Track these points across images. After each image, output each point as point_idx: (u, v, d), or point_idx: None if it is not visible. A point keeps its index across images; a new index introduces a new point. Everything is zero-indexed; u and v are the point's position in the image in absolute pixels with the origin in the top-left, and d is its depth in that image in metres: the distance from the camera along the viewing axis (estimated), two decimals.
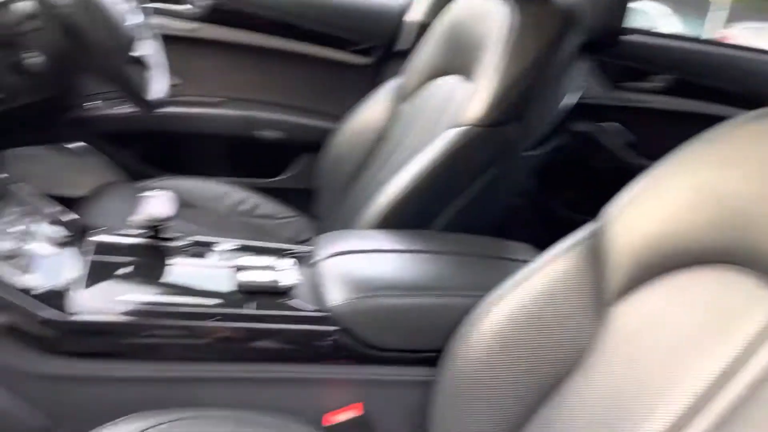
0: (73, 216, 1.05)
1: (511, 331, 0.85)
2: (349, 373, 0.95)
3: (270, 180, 1.87)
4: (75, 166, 1.71)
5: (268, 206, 1.68)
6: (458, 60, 1.37)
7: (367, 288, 0.95)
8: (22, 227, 0.93)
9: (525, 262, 0.90)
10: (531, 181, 1.59)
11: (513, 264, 1.03)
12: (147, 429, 0.81)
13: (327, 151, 1.64)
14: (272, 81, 1.82)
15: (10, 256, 0.86)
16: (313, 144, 1.76)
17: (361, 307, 0.94)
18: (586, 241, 0.85)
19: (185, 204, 1.56)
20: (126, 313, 0.88)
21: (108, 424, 0.82)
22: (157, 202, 1.02)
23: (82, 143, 1.70)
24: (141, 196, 1.03)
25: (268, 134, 1.83)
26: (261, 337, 0.93)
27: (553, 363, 0.82)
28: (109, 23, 1.14)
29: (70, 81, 1.31)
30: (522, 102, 1.18)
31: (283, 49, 1.77)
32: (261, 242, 1.11)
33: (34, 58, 1.13)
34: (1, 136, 1.60)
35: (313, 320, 0.94)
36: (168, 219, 1.01)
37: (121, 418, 0.82)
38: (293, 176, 1.88)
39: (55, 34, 1.14)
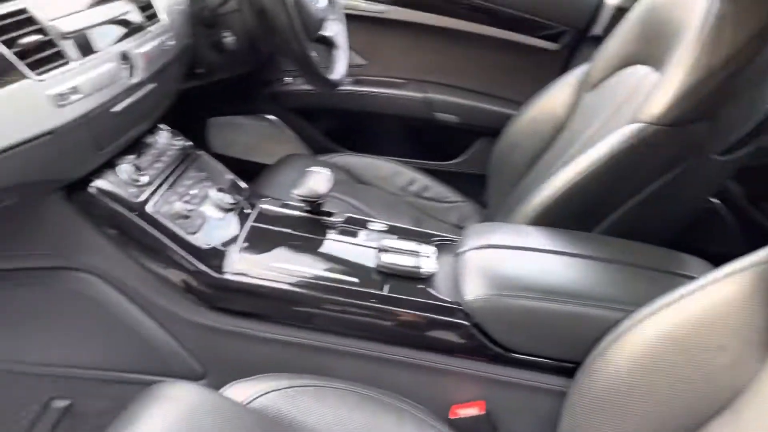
0: (243, 184, 1.15)
1: (655, 355, 0.76)
2: (475, 369, 0.93)
3: (443, 163, 1.87)
4: (268, 137, 1.86)
5: (437, 189, 1.69)
6: (651, 49, 1.24)
7: (507, 286, 0.92)
8: (197, 191, 1.04)
9: (693, 279, 0.80)
10: (727, 188, 1.40)
11: (678, 280, 0.92)
12: (278, 389, 0.87)
13: (503, 138, 1.59)
14: (454, 64, 1.80)
15: (185, 216, 0.97)
16: (489, 129, 1.72)
17: (497, 304, 0.90)
18: (762, 265, 0.73)
19: (358, 180, 1.63)
20: (273, 279, 0.94)
21: (246, 378, 0.89)
22: (318, 178, 1.07)
23: (274, 116, 1.85)
24: (306, 171, 1.09)
25: (447, 117, 1.83)
26: (393, 320, 0.94)
27: (699, 398, 0.73)
28: (298, 7, 1.21)
29: (261, 59, 1.42)
30: (714, 100, 1.03)
31: (467, 32, 1.74)
32: (410, 226, 1.12)
33: (229, 38, 1.24)
34: (203, 106, 1.80)
35: (446, 311, 0.93)
36: (325, 195, 1.06)
37: (256, 376, 0.89)
38: (466, 161, 1.86)
39: (247, 16, 1.24)
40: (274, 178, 1.47)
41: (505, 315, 0.90)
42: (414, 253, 1.00)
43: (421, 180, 1.69)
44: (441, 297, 0.94)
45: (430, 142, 1.86)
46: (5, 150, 0.70)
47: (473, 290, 0.92)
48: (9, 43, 0.73)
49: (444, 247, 1.05)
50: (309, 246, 1.02)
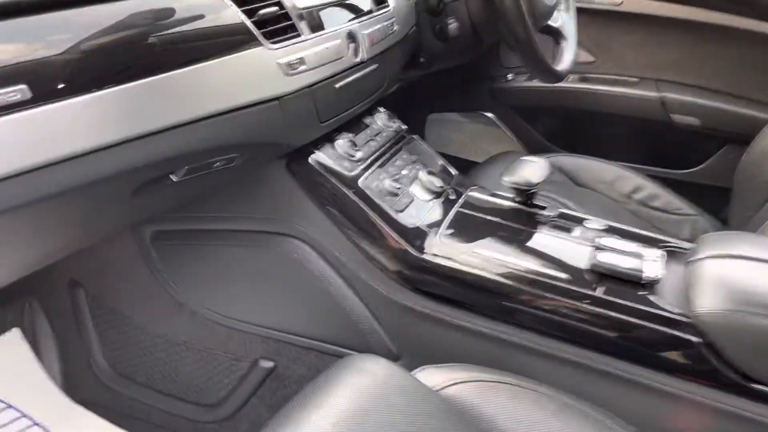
0: (453, 171, 1.12)
1: None
2: (702, 395, 0.79)
3: (677, 171, 1.67)
4: (484, 134, 1.83)
5: (667, 198, 1.50)
6: None
7: (751, 302, 0.77)
8: (407, 172, 1.04)
9: None
10: None
11: None
12: (471, 381, 0.82)
13: (754, 145, 1.37)
14: (694, 60, 1.60)
15: (393, 194, 0.97)
16: (737, 135, 1.50)
17: (737, 322, 0.76)
18: None
19: (576, 182, 1.52)
20: (476, 267, 0.90)
21: (439, 365, 0.86)
22: (532, 167, 1.01)
23: (492, 114, 1.80)
24: (520, 161, 1.03)
25: (686, 120, 1.63)
26: (606, 326, 0.84)
27: None
28: None
29: (483, 49, 1.39)
30: None
31: (712, 24, 1.53)
32: (632, 228, 1.00)
33: (453, 24, 1.23)
34: (424, 102, 1.82)
35: (671, 323, 0.80)
36: (538, 185, 0.99)
37: (450, 364, 0.86)
38: (706, 170, 1.64)
39: (475, 2, 1.21)
40: (484, 172, 1.43)
41: (747, 336, 0.75)
42: (636, 255, 0.89)
43: (650, 187, 1.51)
44: (666, 307, 0.81)
45: (662, 147, 1.67)
46: (239, 109, 0.75)
47: (709, 303, 0.78)
48: (250, 13, 0.78)
49: (673, 254, 0.91)
50: (516, 237, 0.96)
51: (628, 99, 1.64)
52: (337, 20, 0.96)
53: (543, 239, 0.96)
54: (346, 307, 0.97)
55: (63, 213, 0.68)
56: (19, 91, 0.51)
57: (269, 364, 1.06)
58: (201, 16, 0.72)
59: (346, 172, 0.95)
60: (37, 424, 1.08)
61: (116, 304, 1.13)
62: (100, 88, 0.59)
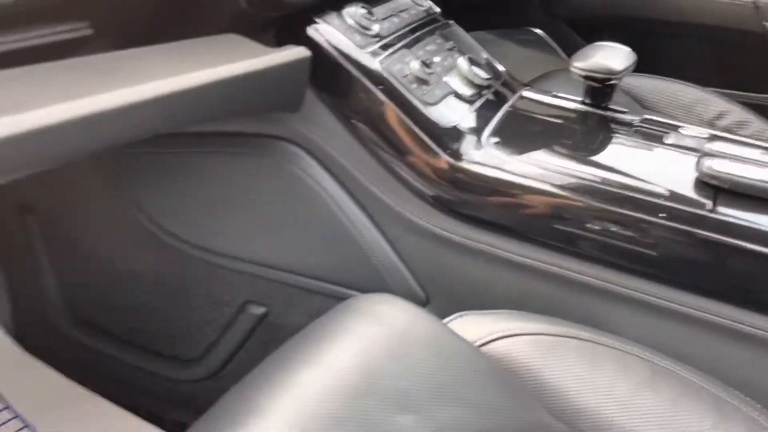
0: (500, 67, 0.86)
1: None
2: None
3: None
4: (532, 53, 1.55)
5: (758, 126, 1.23)
6: None
7: None
8: (441, 59, 0.78)
9: None
10: None
11: None
12: (525, 333, 0.58)
13: None
14: None
15: (423, 81, 0.71)
16: None
17: None
18: None
19: (644, 106, 1.25)
20: (532, 177, 0.65)
21: (481, 312, 0.62)
22: (611, 52, 0.75)
23: (541, 31, 1.53)
24: (593, 45, 0.78)
25: None
26: (723, 260, 0.59)
27: None
28: None
29: None
30: None
31: None
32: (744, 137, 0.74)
33: None
34: (466, 18, 1.54)
35: None
36: (619, 76, 0.73)
37: (496, 311, 0.62)
38: None
39: None
40: None
41: None
42: (760, 163, 0.63)
43: (737, 113, 1.24)
44: None
45: (753, 65, 1.38)
46: None
47: None
48: None
49: None
50: (588, 143, 0.71)
51: (713, 5, 1.35)
52: None
53: (625, 146, 0.71)
54: (357, 235, 0.73)
55: None
56: None
57: (259, 310, 0.83)
58: None
59: (357, 49, 0.70)
60: None
61: (75, 234, 0.91)
62: None
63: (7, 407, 0.86)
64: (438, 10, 0.89)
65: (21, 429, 0.86)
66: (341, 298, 0.77)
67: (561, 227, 0.65)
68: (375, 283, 0.75)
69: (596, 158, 0.69)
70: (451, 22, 0.89)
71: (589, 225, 0.64)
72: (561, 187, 0.65)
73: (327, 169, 0.73)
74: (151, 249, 0.85)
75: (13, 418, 0.86)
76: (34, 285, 0.94)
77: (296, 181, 0.74)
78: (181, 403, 0.94)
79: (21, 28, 0.53)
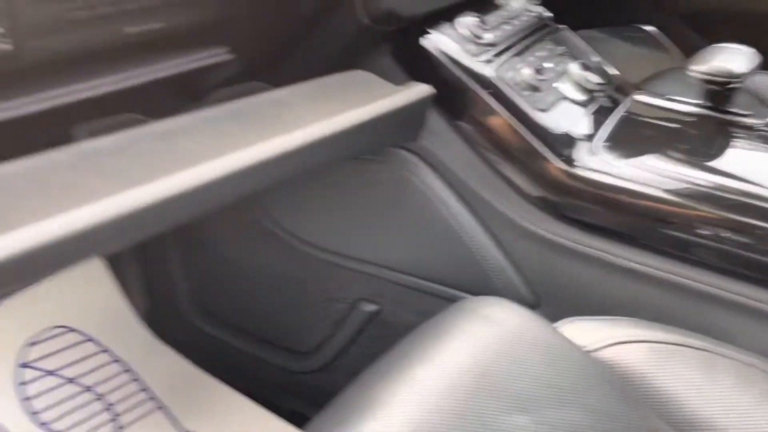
0: (613, 70, 0.85)
1: None
2: None
3: None
4: (643, 52, 1.50)
5: None
6: None
7: None
8: (553, 65, 0.78)
9: None
10: None
11: None
12: (643, 341, 0.58)
13: None
14: None
15: (534, 87, 0.72)
16: None
17: None
18: None
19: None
20: (648, 184, 0.65)
21: (594, 317, 0.62)
22: (733, 54, 0.73)
23: (653, 27, 1.48)
24: (712, 47, 0.76)
25: None
26: None
27: None
28: None
29: None
30: None
31: None
32: None
33: None
34: (569, 16, 1.51)
35: None
36: (740, 77, 0.71)
37: (611, 317, 0.62)
38: None
39: None
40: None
41: None
42: None
43: None
44: None
45: None
46: None
47: None
48: None
49: None
50: (707, 149, 0.69)
51: None
52: None
53: (746, 150, 0.69)
54: (467, 238, 0.75)
55: None
56: None
57: (371, 308, 0.87)
58: None
59: (469, 58, 0.72)
60: (117, 361, 0.97)
61: (203, 233, 0.99)
62: None
63: (144, 389, 0.96)
64: (550, 14, 0.89)
65: (157, 409, 0.95)
66: (450, 299, 0.80)
67: (676, 234, 0.64)
68: (484, 285, 0.76)
69: (715, 164, 0.67)
70: (563, 26, 0.89)
71: (706, 232, 0.63)
72: (677, 193, 0.64)
73: (440, 174, 0.75)
74: (271, 247, 0.91)
75: (150, 399, 0.95)
76: (166, 278, 1.03)
77: (410, 186, 0.77)
78: (293, 392, 1.00)
79: (167, 55, 0.59)
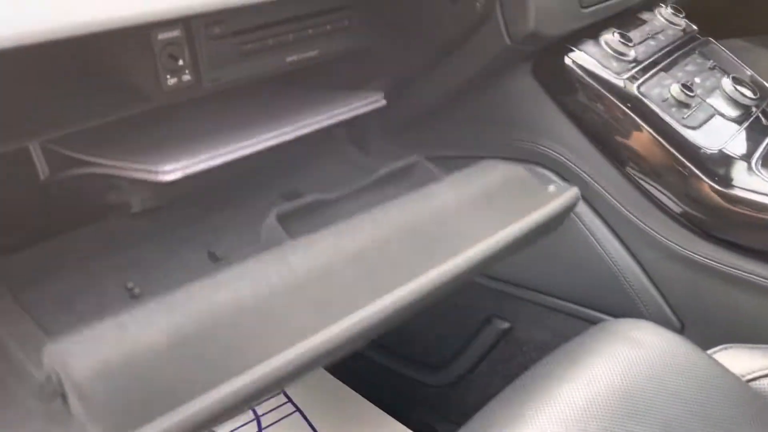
0: (766, 82, 0.80)
1: None
2: None
3: None
4: None
5: None
6: None
7: None
8: (702, 80, 0.75)
9: None
10: None
11: None
12: None
13: None
14: None
15: (684, 104, 0.70)
16: None
17: None
18: None
19: None
20: None
21: (752, 345, 0.59)
22: None
23: None
24: None
25: None
26: None
27: None
28: None
29: None
30: None
31: None
32: None
33: None
34: (715, 23, 1.43)
35: None
36: None
37: (765, 345, 0.59)
38: None
39: None
40: None
41: None
42: None
43: None
44: None
45: None
46: None
47: None
48: None
49: None
50: None
51: None
52: None
53: None
54: (607, 257, 0.74)
55: None
56: None
57: (504, 325, 0.87)
58: None
59: (614, 75, 0.70)
60: None
61: None
62: None
63: (284, 394, 1.01)
64: (695, 27, 0.85)
65: (294, 411, 1.00)
66: (587, 320, 0.78)
67: None
68: (624, 306, 0.74)
69: None
70: (710, 39, 0.85)
71: None
72: None
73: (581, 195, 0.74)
74: None
75: (288, 402, 1.01)
76: None
77: None
78: (424, 405, 1.02)
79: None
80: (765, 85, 0.81)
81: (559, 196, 0.65)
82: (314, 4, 0.62)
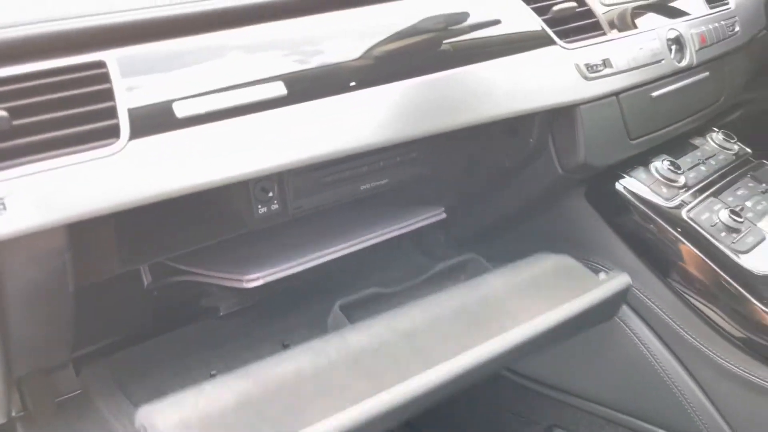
0: None
1: None
2: None
3: None
4: None
5: None
6: None
7: None
8: (753, 204, 0.78)
9: None
10: None
11: None
12: None
13: None
14: None
15: (734, 229, 0.73)
16: None
17: None
18: None
19: None
20: None
21: None
22: None
23: None
24: None
25: None
26: None
27: None
28: None
29: None
30: None
31: None
32: None
33: None
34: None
35: None
36: None
37: None
38: None
39: None
40: None
41: None
42: None
43: None
44: None
45: None
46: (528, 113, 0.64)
47: None
48: (542, 11, 0.67)
49: None
50: None
51: None
52: (661, 17, 0.81)
53: None
54: (665, 375, 0.75)
55: None
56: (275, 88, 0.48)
57: None
58: (485, 14, 0.63)
59: (664, 201, 0.75)
60: None
61: None
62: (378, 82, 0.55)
63: None
64: (749, 150, 0.89)
65: None
66: None
67: None
68: (682, 423, 0.75)
69: None
70: (764, 161, 0.88)
71: None
72: None
73: (634, 309, 0.77)
74: None
75: None
76: None
77: (612, 323, 0.80)
78: None
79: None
80: None
81: (609, 281, 0.68)
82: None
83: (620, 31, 0.75)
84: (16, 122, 0.39)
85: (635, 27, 0.77)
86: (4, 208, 0.37)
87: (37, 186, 0.39)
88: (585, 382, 0.86)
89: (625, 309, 0.78)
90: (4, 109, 0.39)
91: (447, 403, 1.02)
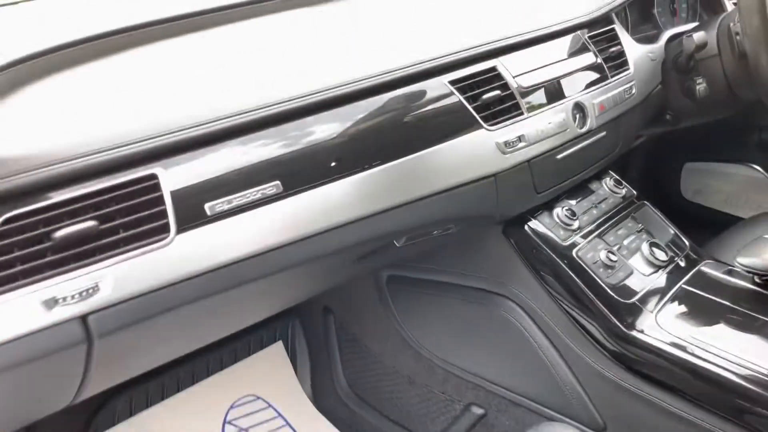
0: (685, 241, 1.06)
1: None
2: None
3: None
4: (753, 188, 1.64)
5: None
6: None
7: None
8: (628, 242, 1.02)
9: None
10: None
11: None
12: None
13: None
14: None
15: (608, 266, 0.97)
16: None
17: None
18: None
19: None
20: (695, 355, 0.85)
21: None
22: None
23: (759, 167, 1.61)
24: (763, 238, 0.95)
25: None
26: None
27: None
28: None
29: (740, 106, 1.27)
30: None
31: None
32: None
33: (700, 85, 1.17)
34: (679, 151, 1.69)
35: None
36: None
37: None
38: None
39: (727, 61, 1.14)
40: (737, 237, 1.30)
41: None
42: None
43: None
44: None
45: None
46: (454, 188, 0.84)
47: None
48: (474, 98, 0.85)
49: None
50: (750, 326, 0.88)
51: None
52: (568, 91, 0.98)
53: None
54: (554, 371, 1.00)
55: (299, 274, 0.83)
56: (273, 186, 0.67)
57: (480, 411, 1.13)
58: (428, 103, 0.81)
59: (559, 241, 0.98)
60: (288, 425, 1.29)
61: (358, 334, 1.31)
62: (349, 173, 0.72)
63: None
64: (634, 192, 1.12)
65: None
66: (537, 413, 1.04)
67: (723, 397, 0.82)
68: (564, 405, 0.99)
69: (754, 342, 0.85)
70: (645, 203, 1.12)
71: (747, 401, 0.80)
72: (718, 365, 0.82)
73: (534, 321, 1.01)
74: (407, 353, 1.21)
75: None
76: (327, 364, 1.36)
77: (511, 325, 1.03)
78: None
79: None
80: (684, 242, 1.07)
81: None
82: None
83: (536, 108, 0.93)
84: (100, 227, 0.57)
85: (549, 102, 0.96)
86: (98, 290, 0.56)
87: (118, 272, 0.58)
88: (493, 370, 1.10)
89: (527, 320, 1.02)
90: (91, 218, 0.57)
91: (390, 380, 1.25)
